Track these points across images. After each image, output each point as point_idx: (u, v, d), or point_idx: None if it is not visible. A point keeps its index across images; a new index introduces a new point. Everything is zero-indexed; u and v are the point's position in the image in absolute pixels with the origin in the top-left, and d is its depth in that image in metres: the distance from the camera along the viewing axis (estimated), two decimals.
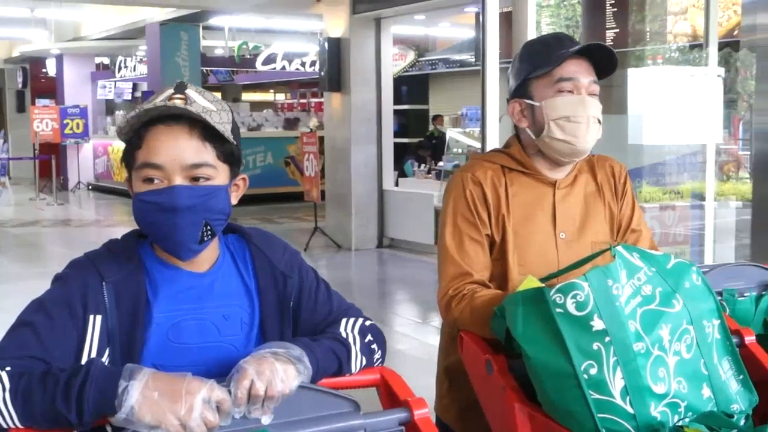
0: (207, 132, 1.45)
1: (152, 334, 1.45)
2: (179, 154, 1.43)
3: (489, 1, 3.81)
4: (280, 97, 24.97)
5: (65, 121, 17.04)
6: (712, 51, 4.66)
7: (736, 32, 8.84)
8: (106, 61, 18.94)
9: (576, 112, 1.93)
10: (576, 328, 1.44)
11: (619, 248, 1.54)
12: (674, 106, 5.26)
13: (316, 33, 13.20)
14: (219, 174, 1.48)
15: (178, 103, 1.42)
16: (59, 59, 18.36)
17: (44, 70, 20.40)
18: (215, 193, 1.46)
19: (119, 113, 18.07)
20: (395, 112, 14.27)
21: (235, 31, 15.71)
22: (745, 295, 2.22)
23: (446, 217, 2.00)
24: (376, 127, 9.73)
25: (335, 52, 9.65)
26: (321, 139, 10.10)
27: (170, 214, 1.42)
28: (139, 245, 1.52)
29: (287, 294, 1.57)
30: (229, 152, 1.50)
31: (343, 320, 1.56)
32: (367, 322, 1.59)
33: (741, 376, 1.60)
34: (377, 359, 1.55)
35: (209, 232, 1.46)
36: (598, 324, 1.43)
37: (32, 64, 20.47)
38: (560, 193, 2.02)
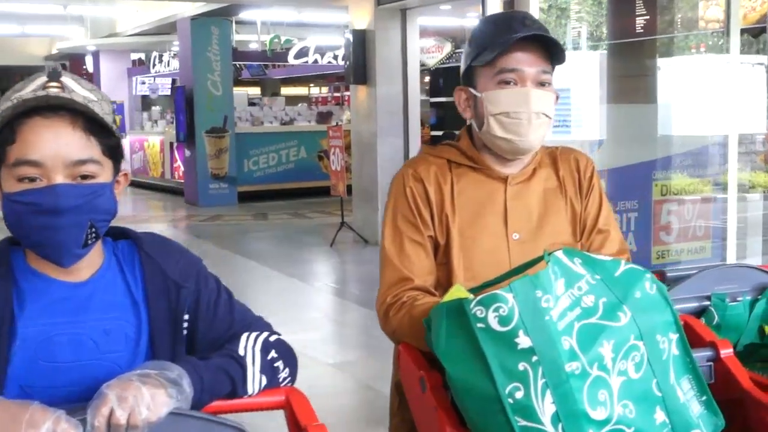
0: (90, 125, 1.31)
1: (17, 351, 1.30)
2: (61, 149, 1.29)
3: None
4: (316, 91, 24.90)
5: None
6: (734, 39, 4.42)
7: None
8: (142, 56, 19.03)
9: (517, 107, 1.74)
10: (499, 345, 1.26)
11: (558, 253, 1.36)
12: (697, 95, 5.02)
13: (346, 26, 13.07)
14: (104, 170, 1.34)
15: (55, 92, 1.27)
16: (96, 55, 18.50)
17: (84, 67, 20.59)
18: (101, 191, 1.32)
19: (155, 108, 18.15)
20: (433, 104, 14.15)
21: (269, 25, 15.65)
22: (738, 299, 2.02)
23: (386, 218, 1.83)
24: (402, 120, 9.56)
25: (360, 45, 9.50)
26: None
27: (51, 216, 1.28)
28: (11, 252, 1.38)
29: (180, 305, 1.41)
30: (114, 146, 1.35)
31: (244, 335, 1.40)
32: (273, 337, 1.43)
33: (704, 397, 1.41)
34: (284, 379, 1.40)
35: (94, 235, 1.32)
36: (524, 341, 1.25)
37: (72, 61, 20.65)
38: (513, 190, 1.83)
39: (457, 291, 1.37)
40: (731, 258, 4.29)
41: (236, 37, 15.07)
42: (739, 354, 1.91)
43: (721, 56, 4.77)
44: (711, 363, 1.61)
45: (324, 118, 15.75)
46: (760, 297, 2.00)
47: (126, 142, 17.84)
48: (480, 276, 1.68)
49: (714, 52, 6.03)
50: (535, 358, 1.25)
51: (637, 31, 7.15)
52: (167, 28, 15.07)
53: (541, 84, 1.77)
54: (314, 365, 5.38)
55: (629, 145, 4.47)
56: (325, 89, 23.65)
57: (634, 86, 6.33)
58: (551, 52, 1.77)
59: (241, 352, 1.36)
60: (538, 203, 1.84)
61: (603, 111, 4.79)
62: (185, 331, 1.42)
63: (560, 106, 4.80)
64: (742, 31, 7.44)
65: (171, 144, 15.66)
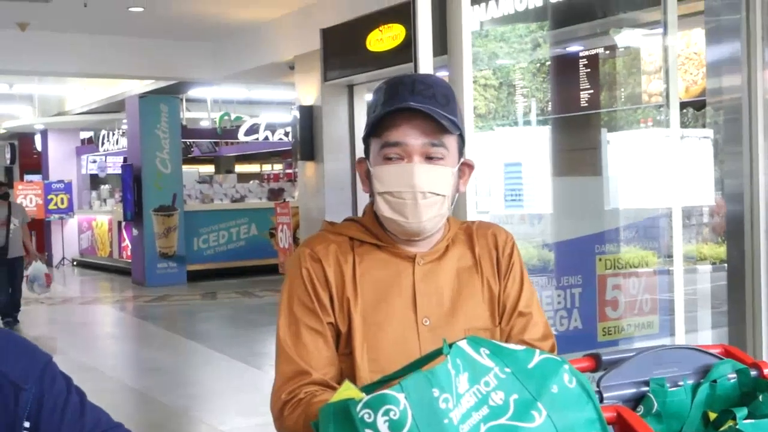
0: None
1: None
2: None
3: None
4: (268, 168, 24.84)
5: (49, 197, 16.86)
6: (674, 112, 4.37)
7: None
8: (92, 135, 18.82)
9: (399, 186, 1.56)
10: None
11: (461, 343, 1.18)
12: (640, 168, 4.97)
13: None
14: None
15: None
16: (44, 134, 18.26)
17: (34, 146, 20.30)
18: None
19: (104, 187, 17.87)
20: None
21: (220, 102, 15.60)
22: (679, 384, 1.85)
23: (281, 304, 1.63)
24: (351, 196, 9.44)
25: (308, 120, 9.43)
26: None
27: None
28: None
29: (20, 410, 1.21)
30: None
31: None
32: None
33: None
34: None
35: None
36: None
37: (21, 139, 20.37)
38: (421, 270, 1.64)
39: (347, 389, 1.18)
40: (680, 333, 4.16)
41: (186, 115, 14.98)
42: None
43: (664, 130, 4.74)
44: None
45: (275, 194, 15.62)
46: (702, 381, 1.84)
47: (74, 222, 17.49)
48: (387, 368, 1.49)
49: (661, 126, 6.02)
50: None
51: (582, 105, 7.18)
52: (116, 106, 14.94)
53: (432, 159, 1.59)
54: None
55: (573, 218, 4.37)
56: (279, 166, 23.60)
57: (580, 159, 6.30)
58: (447, 121, 1.58)
59: None
60: (451, 284, 1.65)
61: (551, 184, 4.72)
62: None
63: (512, 180, 4.72)
64: (685, 105, 7.50)
65: (119, 223, 15.38)
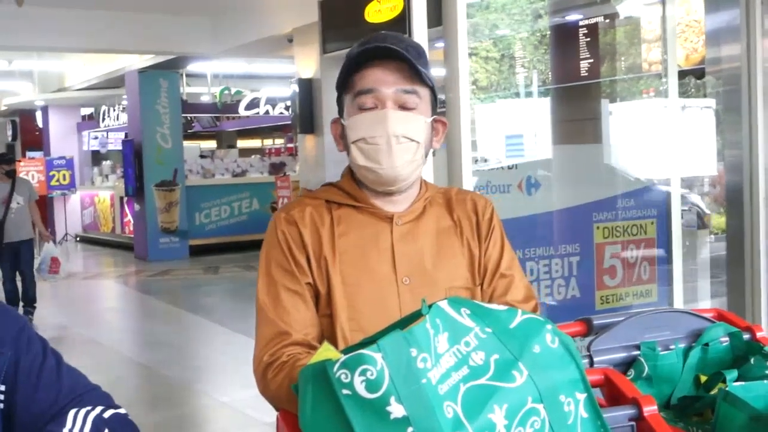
0: None
1: None
2: None
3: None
4: (270, 142, 24.79)
5: (51, 173, 16.83)
6: (672, 81, 4.34)
7: None
8: (92, 111, 18.78)
9: (372, 131, 1.58)
10: (369, 415, 1.06)
11: (442, 303, 1.17)
12: (640, 137, 4.94)
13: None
14: None
15: None
16: (45, 111, 18.21)
17: (35, 123, 20.26)
18: None
19: (106, 163, 17.85)
20: None
21: (220, 77, 15.53)
22: (671, 348, 1.84)
23: (260, 268, 1.63)
24: None
25: (307, 94, 9.38)
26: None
27: None
28: None
29: None
30: None
31: (71, 413, 1.18)
32: (108, 413, 1.20)
33: None
34: None
35: None
36: (396, 410, 1.05)
37: (22, 117, 20.32)
38: (400, 230, 1.64)
39: (326, 351, 1.17)
40: (678, 301, 4.15)
41: (186, 90, 14.92)
42: (675, 408, 1.73)
43: (663, 100, 4.71)
44: (633, 422, 1.42)
45: (277, 169, 15.59)
46: (694, 344, 1.82)
47: (76, 198, 17.49)
48: (367, 328, 1.48)
49: (662, 96, 5.99)
50: (410, 430, 1.04)
51: (582, 74, 7.12)
52: (116, 82, 14.88)
53: (405, 107, 1.60)
54: (255, 425, 5.12)
55: (572, 185, 4.34)
56: (280, 140, 23.55)
57: (580, 129, 6.27)
58: (418, 71, 1.59)
59: None
60: (430, 244, 1.65)
61: (552, 152, 4.70)
62: (1, 405, 1.20)
63: (514, 152, 4.69)
64: (686, 73, 7.43)
65: (121, 198, 15.38)
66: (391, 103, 1.58)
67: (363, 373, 1.06)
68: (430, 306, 1.15)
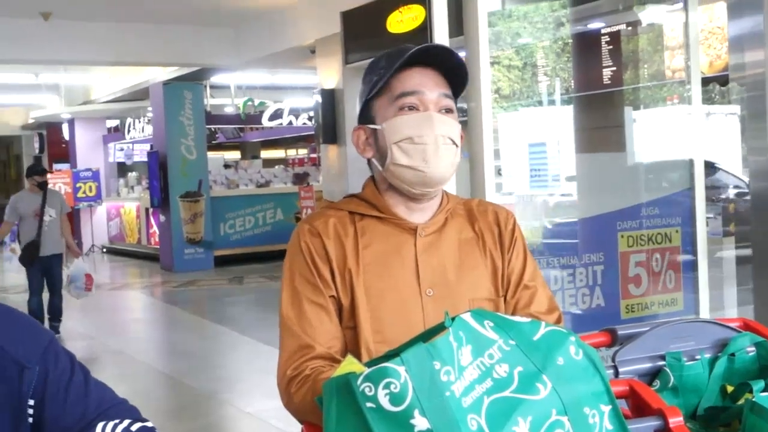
0: None
1: None
2: None
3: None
4: (293, 152, 24.91)
5: (78, 185, 17.01)
6: (695, 89, 4.32)
7: None
8: (118, 123, 18.98)
9: (420, 131, 1.59)
10: (393, 428, 1.06)
11: (465, 316, 1.17)
12: (663, 145, 4.92)
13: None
14: None
15: None
16: (71, 123, 18.42)
17: (62, 136, 20.50)
18: None
19: (131, 174, 18.02)
20: None
21: (244, 88, 15.64)
22: (696, 358, 1.83)
23: (283, 280, 1.64)
24: None
25: (329, 104, 9.42)
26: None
27: None
28: None
29: (24, 389, 1.21)
30: None
31: (99, 425, 1.20)
32: (136, 426, 1.22)
33: None
34: None
35: None
36: (420, 423, 1.05)
37: (49, 129, 20.57)
38: (423, 241, 1.64)
39: (349, 364, 1.17)
40: (704, 310, 4.11)
41: (210, 101, 15.03)
42: (701, 418, 1.72)
43: (686, 107, 4.69)
44: None
45: (300, 179, 15.65)
46: (720, 354, 1.82)
47: (102, 210, 17.65)
48: (392, 339, 1.49)
49: (685, 103, 5.97)
50: None
51: (605, 82, 7.09)
52: (141, 94, 15.03)
53: (445, 110, 1.63)
54: None
55: (596, 195, 4.33)
56: (303, 151, 23.66)
57: (603, 138, 6.24)
58: (452, 79, 1.64)
59: None
60: (453, 256, 1.66)
61: (575, 163, 4.69)
62: (30, 419, 1.22)
63: (537, 161, 4.68)
64: (709, 80, 7.38)
65: (147, 210, 15.50)
66: (432, 106, 1.61)
67: (387, 386, 1.06)
68: (453, 318, 1.15)
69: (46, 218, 8.31)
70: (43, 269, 8.35)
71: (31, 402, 1.21)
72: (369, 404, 1.07)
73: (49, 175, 16.92)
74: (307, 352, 1.54)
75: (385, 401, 1.06)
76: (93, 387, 1.26)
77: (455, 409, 1.07)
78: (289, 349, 1.57)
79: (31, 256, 8.25)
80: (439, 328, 1.20)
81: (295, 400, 1.50)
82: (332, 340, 1.58)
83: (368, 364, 1.16)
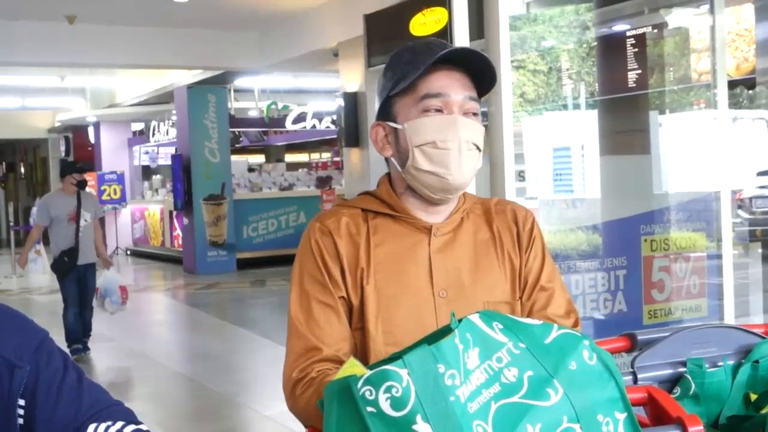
0: None
1: None
2: None
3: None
4: (316, 156, 24.93)
5: (102, 188, 17.12)
6: (721, 92, 4.24)
7: None
8: (143, 126, 19.10)
9: (445, 135, 1.53)
10: None
11: (473, 317, 1.12)
12: (688, 149, 4.84)
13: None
14: None
15: None
16: (96, 126, 18.56)
17: (87, 139, 20.65)
18: None
19: (156, 177, 18.12)
20: None
21: (268, 92, 15.66)
22: (719, 364, 1.77)
23: (292, 279, 1.59)
24: None
25: (352, 107, 9.40)
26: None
27: None
28: None
29: (14, 388, 1.18)
30: None
31: (91, 427, 1.16)
32: (129, 428, 1.17)
33: None
34: None
35: None
36: (423, 429, 1.00)
37: (75, 132, 20.73)
38: (438, 241, 1.59)
39: (351, 366, 1.13)
40: (729, 316, 4.03)
41: (234, 104, 15.07)
42: (723, 428, 1.66)
43: (712, 111, 4.62)
44: None
45: (323, 182, 15.65)
46: (743, 361, 1.75)
47: (127, 212, 17.76)
48: (403, 342, 1.44)
49: (712, 107, 5.90)
50: None
51: (630, 85, 7.00)
52: (165, 97, 15.10)
53: (469, 114, 1.58)
54: None
55: (619, 198, 4.26)
56: (327, 154, 23.67)
57: (628, 141, 6.16)
58: (477, 80, 1.59)
59: None
60: (468, 257, 1.60)
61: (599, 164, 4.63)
62: (21, 419, 1.18)
63: (561, 165, 4.62)
64: (736, 84, 7.26)
65: (170, 212, 15.56)
66: (457, 109, 1.56)
67: (388, 390, 1.02)
68: (460, 320, 1.10)
69: (82, 223, 7.46)
70: (77, 280, 7.52)
71: (22, 402, 1.18)
72: (370, 408, 1.03)
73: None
74: (314, 354, 1.50)
75: (386, 406, 1.02)
76: (87, 388, 1.22)
77: (460, 415, 1.02)
78: (295, 351, 1.53)
79: (68, 265, 7.39)
80: (446, 330, 1.15)
81: (299, 404, 1.46)
82: (341, 342, 1.53)
83: (372, 367, 1.12)
